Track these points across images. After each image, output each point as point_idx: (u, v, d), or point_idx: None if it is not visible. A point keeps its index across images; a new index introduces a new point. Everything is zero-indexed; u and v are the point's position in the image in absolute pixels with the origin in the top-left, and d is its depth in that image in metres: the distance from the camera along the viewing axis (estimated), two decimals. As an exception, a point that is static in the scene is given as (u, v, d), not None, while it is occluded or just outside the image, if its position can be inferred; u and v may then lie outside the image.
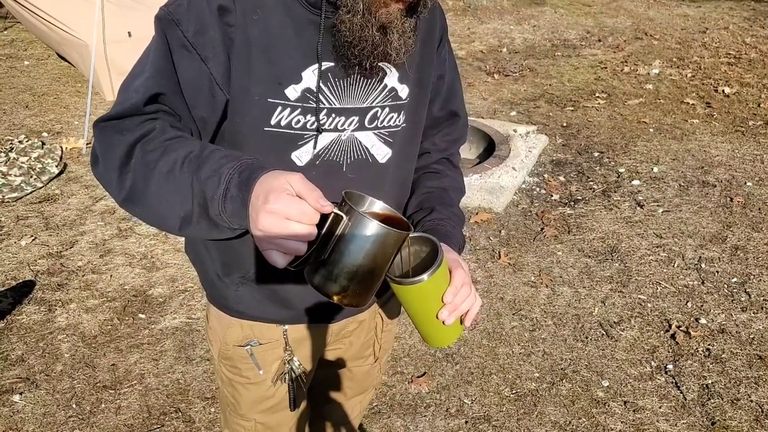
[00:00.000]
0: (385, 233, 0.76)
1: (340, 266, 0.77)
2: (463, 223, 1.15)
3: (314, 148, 0.97)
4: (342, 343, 1.26)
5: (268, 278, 1.08)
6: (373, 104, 1.00)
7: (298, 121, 0.95)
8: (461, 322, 0.97)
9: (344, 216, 0.75)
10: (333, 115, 0.97)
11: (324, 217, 0.76)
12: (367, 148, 1.02)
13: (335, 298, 0.79)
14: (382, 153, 1.04)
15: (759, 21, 7.48)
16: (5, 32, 6.92)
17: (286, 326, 1.14)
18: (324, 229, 0.76)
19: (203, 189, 0.79)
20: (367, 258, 0.77)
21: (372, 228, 0.76)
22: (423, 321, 0.94)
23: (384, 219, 0.77)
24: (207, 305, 1.22)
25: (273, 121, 0.94)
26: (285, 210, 0.72)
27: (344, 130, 0.99)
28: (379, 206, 0.86)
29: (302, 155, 0.98)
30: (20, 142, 4.13)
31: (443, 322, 0.91)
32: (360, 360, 1.31)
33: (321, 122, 0.96)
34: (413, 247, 0.93)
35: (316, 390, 1.37)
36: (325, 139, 0.98)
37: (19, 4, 4.84)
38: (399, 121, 1.04)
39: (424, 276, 0.86)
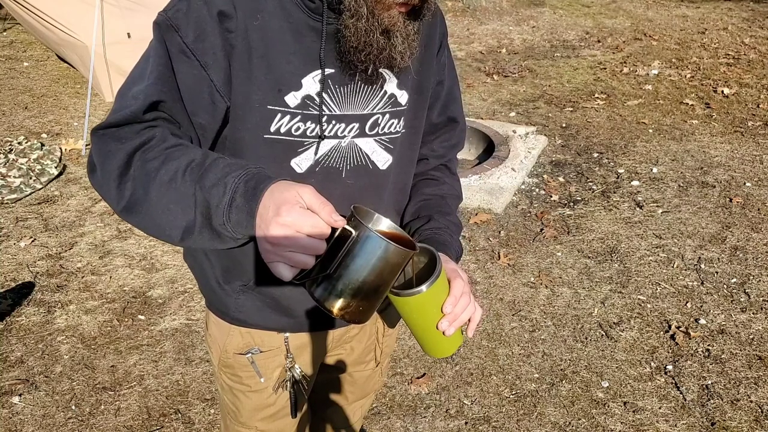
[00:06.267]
0: (392, 251, 0.76)
1: (345, 281, 0.76)
2: (460, 231, 1.14)
3: (315, 154, 0.97)
4: (343, 349, 1.26)
5: (269, 286, 1.07)
6: (374, 111, 0.99)
7: (298, 128, 0.94)
8: (462, 332, 0.97)
9: (353, 231, 0.75)
10: (333, 122, 0.96)
11: (332, 231, 0.75)
12: (367, 154, 1.02)
13: (337, 313, 0.78)
14: (382, 159, 1.04)
15: (758, 21, 7.49)
16: (4, 33, 6.92)
17: (288, 334, 1.13)
18: (331, 243, 0.76)
19: (207, 198, 0.77)
20: (372, 274, 0.76)
21: (381, 245, 0.75)
22: (423, 332, 0.94)
23: (390, 237, 0.77)
24: (206, 312, 1.21)
25: (273, 128, 0.93)
26: (297, 223, 0.71)
27: (344, 136, 0.98)
28: (385, 224, 0.86)
29: (302, 162, 0.97)
30: (19, 143, 4.13)
31: (443, 333, 0.91)
32: (361, 365, 1.31)
33: (322, 129, 0.95)
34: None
35: (317, 395, 1.37)
36: (325, 145, 0.97)
37: (19, 5, 4.84)
38: (399, 128, 1.03)
39: (423, 287, 0.85)
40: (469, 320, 0.94)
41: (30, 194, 3.65)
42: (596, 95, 5.23)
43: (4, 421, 2.17)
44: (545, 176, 3.89)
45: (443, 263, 0.91)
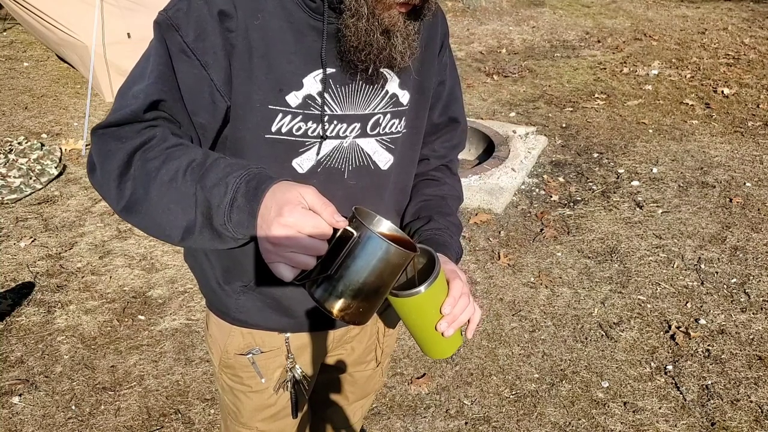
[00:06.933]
0: (393, 252, 0.76)
1: (346, 282, 0.76)
2: (460, 231, 1.14)
3: (317, 155, 0.96)
4: (344, 349, 1.26)
5: (270, 286, 1.07)
6: (375, 111, 0.99)
7: (299, 128, 0.94)
8: (461, 333, 0.96)
9: (354, 232, 0.75)
10: (335, 122, 0.96)
11: (333, 232, 0.75)
12: (368, 154, 1.02)
13: (337, 314, 0.79)
14: (384, 159, 1.04)
15: (758, 22, 7.49)
16: (4, 33, 6.92)
17: (288, 334, 1.13)
18: (332, 245, 0.76)
19: (208, 198, 0.77)
20: (372, 275, 0.77)
21: (382, 246, 0.75)
22: (422, 333, 0.93)
23: (391, 239, 0.77)
24: (206, 313, 1.21)
25: (274, 128, 0.93)
26: (299, 224, 0.71)
27: (346, 137, 0.98)
28: (386, 226, 0.86)
29: (303, 162, 0.97)
30: (19, 143, 4.13)
31: (442, 334, 0.90)
32: (362, 365, 1.31)
33: (324, 129, 0.95)
34: None
35: (318, 395, 1.37)
36: (327, 146, 0.97)
37: (19, 5, 4.84)
38: (400, 128, 1.03)
39: (422, 288, 0.85)
40: (468, 321, 0.94)
41: (30, 194, 3.65)
42: (596, 95, 5.23)
43: (4, 421, 2.17)
44: (545, 176, 3.89)
45: (442, 264, 0.90)
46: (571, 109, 4.97)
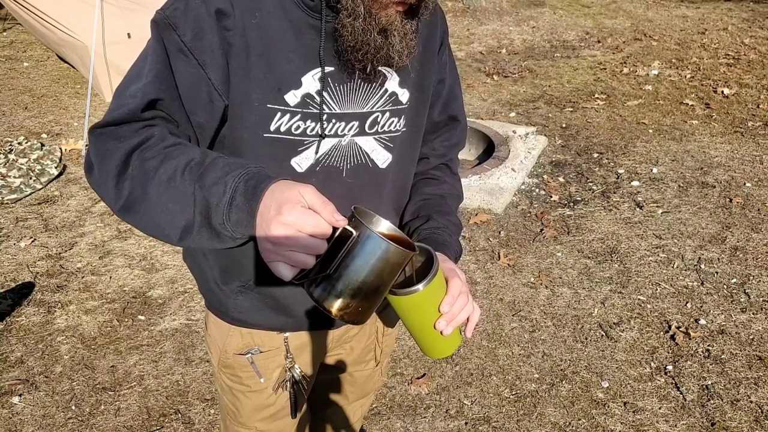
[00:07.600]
0: (393, 251, 0.76)
1: (345, 281, 0.76)
2: (460, 231, 1.13)
3: (316, 153, 0.96)
4: (343, 348, 1.26)
5: (268, 286, 1.07)
6: (374, 109, 0.99)
7: (298, 127, 0.94)
8: (460, 332, 0.96)
9: (354, 231, 0.75)
10: (333, 121, 0.96)
11: (332, 231, 0.75)
12: (367, 153, 1.01)
13: (336, 313, 0.79)
14: (382, 158, 1.03)
15: (758, 22, 7.48)
16: (5, 33, 6.92)
17: (287, 333, 1.13)
18: (331, 244, 0.76)
19: (206, 197, 0.77)
20: (372, 275, 0.77)
21: (381, 245, 0.75)
22: (420, 332, 0.93)
23: (390, 238, 0.77)
24: (206, 313, 1.21)
25: (272, 127, 0.93)
26: (299, 222, 0.71)
27: (344, 135, 0.98)
28: (385, 226, 0.86)
29: (302, 161, 0.97)
30: (19, 143, 4.13)
31: (441, 333, 0.90)
32: (361, 365, 1.31)
33: (323, 128, 0.95)
34: None
35: (317, 395, 1.37)
36: (325, 144, 0.97)
37: (19, 5, 4.84)
38: (399, 126, 1.03)
39: (420, 286, 0.85)
40: (467, 320, 0.94)
41: (30, 194, 3.65)
42: (596, 95, 5.23)
43: (4, 421, 2.17)
44: (545, 176, 3.89)
45: (441, 263, 0.90)
46: (571, 109, 4.97)
